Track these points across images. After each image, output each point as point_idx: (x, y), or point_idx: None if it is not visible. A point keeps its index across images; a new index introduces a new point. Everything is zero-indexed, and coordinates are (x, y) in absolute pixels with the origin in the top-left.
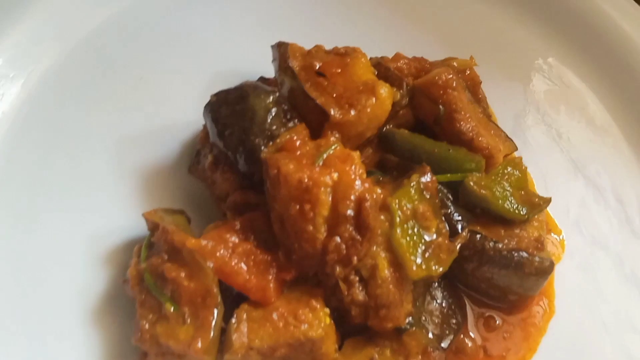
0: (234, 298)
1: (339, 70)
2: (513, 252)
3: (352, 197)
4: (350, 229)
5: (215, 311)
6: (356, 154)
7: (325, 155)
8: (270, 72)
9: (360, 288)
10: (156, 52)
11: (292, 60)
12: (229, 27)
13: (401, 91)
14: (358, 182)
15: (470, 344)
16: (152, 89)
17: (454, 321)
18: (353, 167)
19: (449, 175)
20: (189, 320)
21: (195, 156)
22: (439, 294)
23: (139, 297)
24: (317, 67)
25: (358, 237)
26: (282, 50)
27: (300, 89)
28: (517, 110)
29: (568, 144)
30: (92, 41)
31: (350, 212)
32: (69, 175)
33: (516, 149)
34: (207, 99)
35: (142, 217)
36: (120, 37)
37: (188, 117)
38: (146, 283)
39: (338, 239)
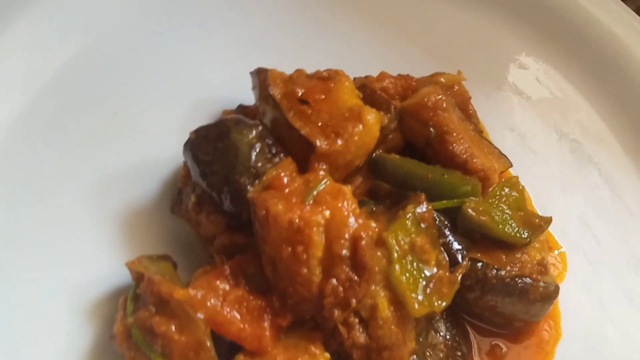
0: (227, 348)
1: (323, 97)
2: (516, 279)
3: (347, 236)
4: (347, 269)
5: None
6: (347, 189)
7: (315, 192)
8: (249, 98)
9: (361, 330)
10: (128, 87)
11: (272, 88)
12: (202, 54)
13: (389, 115)
14: (352, 219)
15: None
16: (127, 125)
17: (459, 353)
18: (345, 203)
19: (445, 201)
20: None
21: (177, 195)
22: (441, 326)
23: (128, 353)
24: (300, 94)
25: (355, 277)
26: (261, 78)
27: (283, 118)
28: (510, 122)
29: (564, 155)
30: (59, 81)
31: (345, 252)
32: (45, 223)
33: (511, 165)
34: (185, 132)
35: (119, 265)
36: (88, 74)
37: (167, 152)
38: (134, 339)
39: (334, 281)
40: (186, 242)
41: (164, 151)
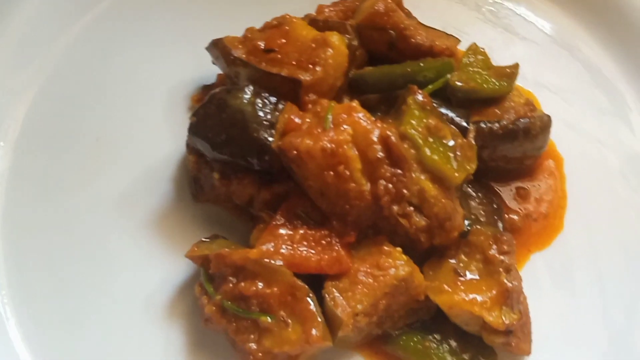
0: (309, 284)
1: (284, 40)
2: (516, 122)
3: (375, 139)
4: (388, 168)
5: (309, 299)
6: (355, 102)
7: (330, 117)
8: (208, 77)
9: (419, 216)
10: (94, 111)
11: (235, 51)
12: (148, 56)
13: (348, 35)
14: (371, 126)
15: (516, 218)
16: (113, 144)
17: (495, 206)
18: (360, 114)
19: (430, 86)
20: (290, 321)
21: (195, 183)
22: (471, 191)
23: (229, 327)
24: (263, 46)
25: (399, 171)
26: (220, 47)
27: (258, 72)
28: (438, 10)
29: (493, 17)
30: (27, 127)
31: (380, 154)
32: (90, 258)
33: (459, 41)
34: (167, 131)
35: (175, 263)
36: (53, 112)
37: (161, 153)
38: (230, 311)
39: (383, 181)
40: (220, 222)
41: (159, 153)
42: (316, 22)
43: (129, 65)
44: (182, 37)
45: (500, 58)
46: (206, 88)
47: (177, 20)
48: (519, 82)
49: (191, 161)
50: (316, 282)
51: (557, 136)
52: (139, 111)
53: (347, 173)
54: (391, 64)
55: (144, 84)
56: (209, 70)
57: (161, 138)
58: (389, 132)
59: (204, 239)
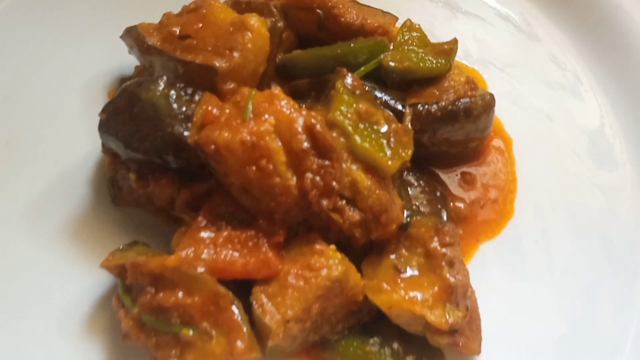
0: (235, 291)
1: (201, 25)
2: (456, 103)
3: (300, 129)
4: (315, 159)
5: (234, 307)
6: (277, 89)
7: (250, 106)
8: (126, 68)
9: (352, 209)
10: (1, 112)
11: (149, 38)
12: (59, 54)
13: (272, 17)
14: (296, 114)
15: (462, 206)
16: (25, 146)
17: (438, 194)
18: (282, 102)
19: (363, 68)
20: (214, 333)
21: (112, 186)
22: (412, 179)
23: (149, 342)
24: (178, 32)
25: (326, 162)
26: (134, 34)
27: (172, 60)
28: None
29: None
30: None
31: (305, 144)
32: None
33: (397, 19)
34: (83, 132)
35: (94, 274)
36: None
37: (77, 154)
38: (149, 325)
39: (309, 174)
40: (141, 226)
41: (74, 155)
42: (239, 5)
43: (40, 61)
44: (100, 26)
45: (442, 35)
46: (124, 81)
47: (94, 8)
48: (463, 59)
49: (107, 162)
50: (246, 287)
51: (505, 116)
52: (52, 110)
53: (271, 167)
54: (322, 46)
55: (57, 80)
56: (128, 62)
57: (77, 138)
58: (314, 120)
59: (121, 247)
